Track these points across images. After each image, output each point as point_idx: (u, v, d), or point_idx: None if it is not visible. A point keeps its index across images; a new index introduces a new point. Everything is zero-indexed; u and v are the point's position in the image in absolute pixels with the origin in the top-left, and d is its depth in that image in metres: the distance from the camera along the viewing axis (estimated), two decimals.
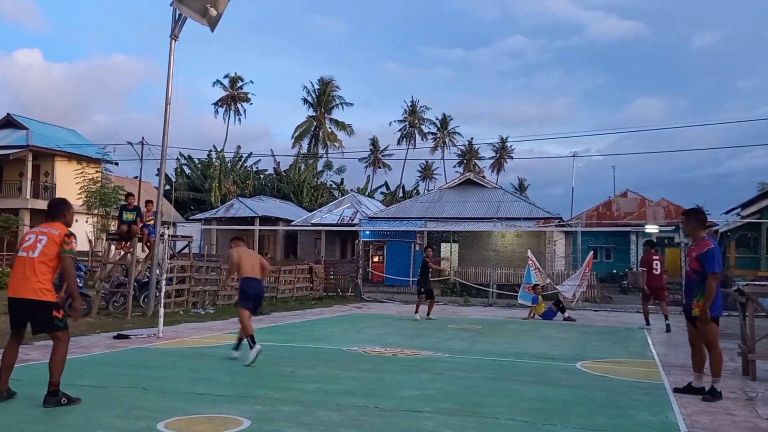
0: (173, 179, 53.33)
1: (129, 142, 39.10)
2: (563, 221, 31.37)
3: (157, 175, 20.41)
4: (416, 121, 69.28)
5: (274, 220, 38.38)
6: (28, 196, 36.80)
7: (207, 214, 40.85)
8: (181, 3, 14.36)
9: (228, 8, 15.07)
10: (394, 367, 8.51)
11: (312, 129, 64.03)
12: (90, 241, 32.56)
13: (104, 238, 24.21)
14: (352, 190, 51.46)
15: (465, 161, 71.25)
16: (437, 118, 70.88)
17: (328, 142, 64.17)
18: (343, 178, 61.82)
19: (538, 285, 17.95)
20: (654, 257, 14.86)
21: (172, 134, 15.54)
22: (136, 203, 16.27)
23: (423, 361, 9.10)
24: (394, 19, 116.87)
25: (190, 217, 44.76)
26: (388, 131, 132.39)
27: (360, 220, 32.79)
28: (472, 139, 73.83)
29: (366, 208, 37.17)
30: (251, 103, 65.70)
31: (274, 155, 60.01)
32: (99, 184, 34.53)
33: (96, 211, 33.97)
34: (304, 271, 23.13)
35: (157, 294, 13.12)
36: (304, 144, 64.30)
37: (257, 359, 8.30)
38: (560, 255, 30.15)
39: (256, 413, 5.61)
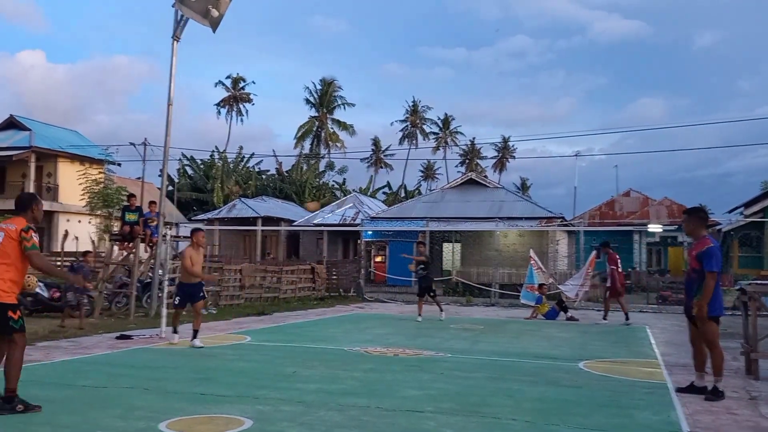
0: (176, 180, 53.39)
1: (131, 143, 39.16)
2: (566, 221, 31.32)
3: (159, 175, 20.44)
4: (418, 121, 69.28)
5: (277, 221, 38.38)
6: None
7: (210, 215, 40.85)
8: (183, 4, 14.39)
9: (229, 9, 15.11)
10: (396, 367, 8.51)
11: (314, 129, 64.06)
12: (93, 242, 32.61)
13: (107, 238, 24.22)
14: (354, 190, 51.48)
15: (467, 161, 71.22)
16: (439, 118, 70.92)
17: (330, 142, 64.18)
18: (345, 179, 61.91)
19: (543, 285, 17.92)
20: (616, 255, 15.72)
21: (174, 135, 15.58)
22: (138, 204, 16.30)
23: (425, 361, 9.10)
24: (395, 20, 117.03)
25: (192, 218, 44.75)
26: (389, 131, 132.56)
27: (362, 220, 32.79)
28: (474, 138, 73.90)
29: (368, 208, 37.16)
30: (253, 104, 65.95)
31: (276, 156, 60.05)
32: (102, 185, 34.56)
33: (99, 212, 34.00)
34: (306, 271, 23.13)
35: (160, 294, 13.14)
36: (306, 144, 64.36)
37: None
38: (563, 255, 30.09)
39: (258, 413, 5.61)
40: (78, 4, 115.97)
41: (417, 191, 63.72)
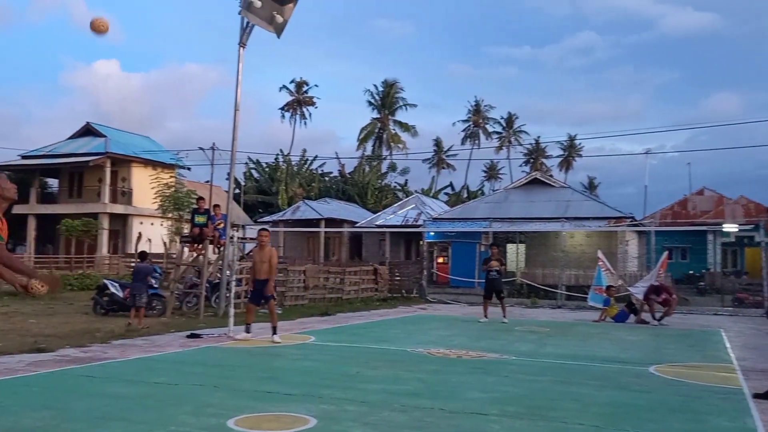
0: (242, 183, 54.69)
1: (200, 148, 40.31)
2: (635, 221, 30.43)
3: (227, 179, 20.98)
4: (481, 121, 68.65)
5: (339, 222, 38.80)
6: (106, 201, 38.48)
7: (274, 217, 41.65)
8: (249, 11, 14.72)
9: (293, 14, 15.38)
10: (460, 368, 8.46)
11: (376, 131, 64.42)
12: (165, 244, 33.80)
13: (178, 240, 25.02)
14: (416, 191, 51.45)
15: (532, 160, 70.11)
16: (502, 117, 70.05)
17: (392, 143, 64.40)
18: (407, 180, 61.97)
19: (611, 287, 17.47)
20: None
21: (241, 139, 15.95)
22: (206, 206, 16.76)
23: (489, 363, 9.01)
24: (460, 20, 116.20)
25: (258, 220, 45.73)
26: (452, 131, 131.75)
27: (424, 221, 32.75)
28: (539, 137, 72.53)
29: (430, 209, 37.08)
30: (316, 107, 66.68)
31: (338, 158, 60.67)
32: (172, 189, 35.76)
33: (170, 215, 35.20)
34: (369, 272, 23.26)
35: (227, 294, 13.49)
36: (369, 146, 64.78)
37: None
38: (633, 255, 29.23)
39: (323, 412, 5.69)
40: (151, 14, 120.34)
41: (480, 191, 63.15)
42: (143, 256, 14.01)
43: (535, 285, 24.56)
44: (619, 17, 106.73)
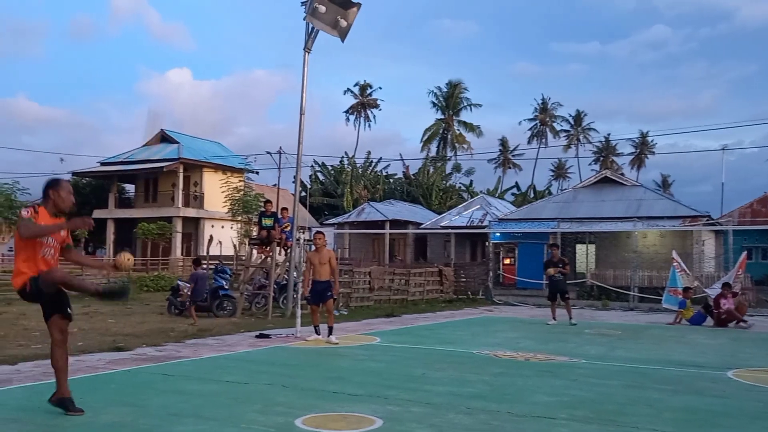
0: (308, 186, 55.55)
1: (268, 152, 41.23)
2: (712, 220, 29.22)
3: (293, 182, 21.36)
4: (547, 119, 67.45)
5: (404, 224, 38.86)
6: (180, 205, 39.84)
7: (340, 219, 42.11)
8: (314, 17, 14.94)
9: (357, 18, 15.52)
10: (527, 371, 8.34)
11: (440, 132, 64.22)
12: (234, 246, 34.67)
13: (247, 243, 25.63)
14: (481, 191, 50.99)
15: (601, 158, 68.34)
16: (570, 115, 68.62)
17: (456, 144, 64.06)
18: (472, 180, 61.49)
19: (689, 288, 16.84)
20: None
21: (306, 143, 16.25)
22: (273, 209, 17.10)
23: (557, 366, 8.84)
24: (525, 18, 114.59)
25: (324, 222, 46.34)
26: (518, 131, 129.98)
27: (490, 221, 32.42)
28: (609, 135, 70.62)
29: (496, 209, 36.69)
30: (380, 109, 67.14)
31: (403, 159, 60.84)
32: (242, 193, 36.66)
33: (239, 218, 36.09)
34: (434, 273, 23.20)
35: (295, 295, 13.72)
36: (433, 147, 64.62)
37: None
38: (709, 256, 28.08)
39: (388, 413, 5.71)
40: (220, 23, 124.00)
41: (547, 191, 62.00)
42: (198, 262, 15.06)
43: (606, 286, 23.94)
44: (692, 10, 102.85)
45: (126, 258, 5.70)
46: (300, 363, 8.75)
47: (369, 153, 59.81)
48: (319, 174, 57.78)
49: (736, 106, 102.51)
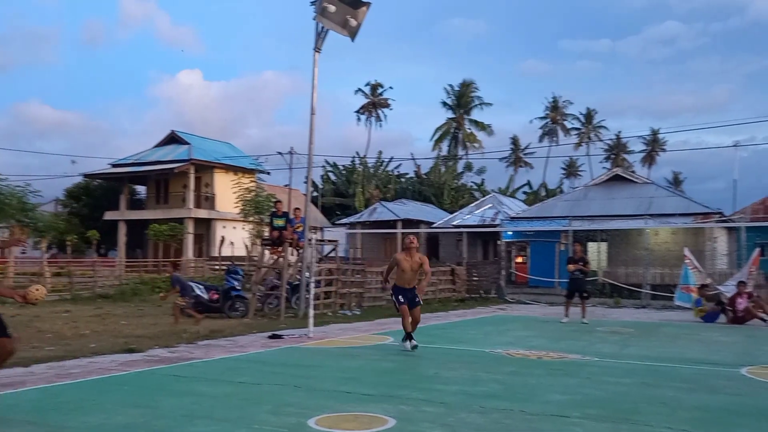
0: (320, 186, 55.59)
1: (279, 152, 41.28)
2: (724, 216, 28.99)
3: (305, 182, 21.40)
4: (558, 118, 67.19)
5: (416, 223, 38.85)
6: (191, 206, 39.93)
7: (352, 219, 42.15)
8: (324, 17, 14.95)
9: (367, 17, 15.51)
10: (539, 370, 8.30)
11: (451, 131, 64.11)
12: (246, 247, 34.74)
13: (259, 243, 25.70)
14: (493, 190, 50.86)
15: (612, 156, 67.98)
16: (581, 113, 68.31)
17: (467, 143, 63.92)
18: (483, 179, 61.34)
19: (705, 285, 16.71)
20: None
21: (317, 143, 16.27)
22: (284, 210, 17.10)
23: (570, 364, 8.79)
24: (535, 15, 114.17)
25: (336, 222, 46.39)
26: (529, 129, 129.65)
27: (501, 220, 32.32)
28: (619, 132, 70.22)
29: (507, 208, 36.58)
30: (391, 109, 67.06)
31: (414, 159, 60.84)
32: (253, 193, 36.73)
33: (251, 219, 36.15)
34: (446, 272, 23.17)
35: (307, 296, 13.73)
36: (444, 146, 64.53)
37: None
38: (722, 253, 27.85)
39: (401, 413, 5.70)
40: (230, 25, 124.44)
41: (559, 189, 61.76)
42: (175, 265, 16.07)
43: (618, 284, 23.80)
44: (703, 5, 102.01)
45: (36, 289, 5.73)
46: (312, 363, 8.76)
47: (380, 153, 59.86)
48: (330, 174, 57.85)
49: (749, 102, 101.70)
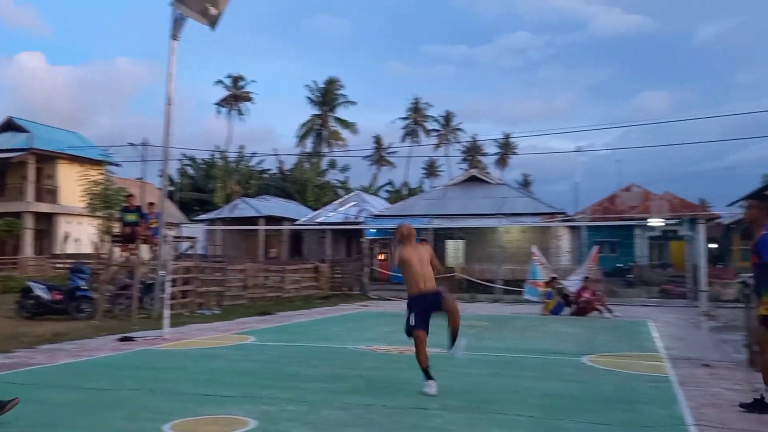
0: (176, 180, 53.35)
1: (130, 143, 39.03)
2: (568, 216, 31.30)
3: (159, 176, 20.44)
4: (419, 119, 69.18)
5: (279, 220, 38.37)
6: (30, 199, 36.81)
7: (211, 215, 40.85)
8: (181, 3, 14.34)
9: (229, 9, 15.06)
10: (401, 365, 8.49)
11: (316, 128, 64.00)
12: (94, 244, 32.62)
13: (108, 240, 24.21)
14: (356, 188, 51.41)
15: (469, 158, 71.12)
16: (440, 116, 70.80)
17: (332, 140, 64.11)
18: (347, 177, 61.82)
19: (555, 278, 17.89)
20: None
21: (175, 136, 15.56)
22: (137, 204, 16.25)
23: (430, 358, 9.05)
24: (398, 18, 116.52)
25: (194, 218, 44.77)
26: (392, 129, 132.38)
27: (365, 218, 32.77)
28: (475, 135, 73.68)
29: (371, 206, 37.15)
30: (254, 102, 65.47)
31: (277, 154, 59.94)
32: (102, 186, 34.50)
33: (99, 214, 33.94)
34: (310, 270, 23.11)
35: (162, 296, 13.12)
36: (309, 143, 64.26)
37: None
38: (565, 250, 30.06)
39: (262, 413, 5.60)
40: (78, 8, 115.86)
41: (420, 189, 63.64)
42: None
43: (474, 280, 24.94)
44: (551, 18, 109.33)
45: None
46: (169, 366, 8.37)
47: (242, 147, 58.45)
48: (188, 168, 55.73)
49: (590, 110, 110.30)
